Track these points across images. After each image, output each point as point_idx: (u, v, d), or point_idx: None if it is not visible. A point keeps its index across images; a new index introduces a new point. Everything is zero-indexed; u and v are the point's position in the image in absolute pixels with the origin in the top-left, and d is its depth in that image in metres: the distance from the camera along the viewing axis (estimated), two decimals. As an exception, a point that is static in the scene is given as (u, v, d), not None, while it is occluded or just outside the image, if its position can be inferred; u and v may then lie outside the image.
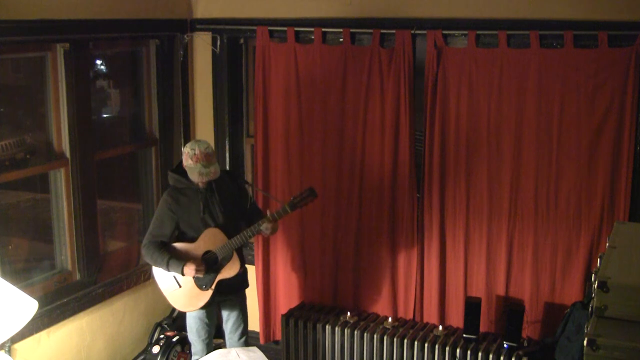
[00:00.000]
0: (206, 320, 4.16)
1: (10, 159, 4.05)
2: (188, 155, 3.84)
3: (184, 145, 3.92)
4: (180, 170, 3.97)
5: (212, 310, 4.18)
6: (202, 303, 4.02)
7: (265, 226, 3.90)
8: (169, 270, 3.94)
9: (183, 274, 3.91)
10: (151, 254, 3.95)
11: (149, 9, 4.65)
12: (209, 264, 3.94)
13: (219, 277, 3.97)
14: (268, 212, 3.93)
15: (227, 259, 3.95)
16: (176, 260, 3.90)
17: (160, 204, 4.05)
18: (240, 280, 4.13)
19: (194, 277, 3.95)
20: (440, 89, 4.25)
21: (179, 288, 4.04)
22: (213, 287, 3.98)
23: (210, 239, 3.95)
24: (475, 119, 4.21)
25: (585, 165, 4.02)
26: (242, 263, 4.06)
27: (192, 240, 3.98)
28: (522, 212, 4.21)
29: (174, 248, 3.99)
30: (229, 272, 3.98)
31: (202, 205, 3.94)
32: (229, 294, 4.11)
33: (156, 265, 4.01)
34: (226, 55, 4.90)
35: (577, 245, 4.11)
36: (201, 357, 4.12)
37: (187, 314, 4.19)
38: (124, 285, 4.71)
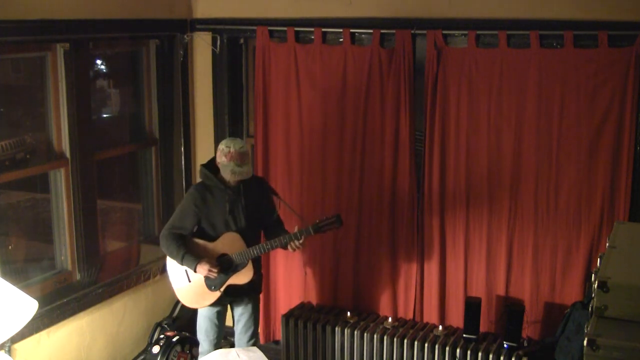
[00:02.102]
0: (216, 322, 4.14)
1: (10, 159, 4.05)
2: (222, 152, 3.83)
3: (220, 143, 3.91)
4: (212, 167, 3.94)
5: (222, 312, 4.18)
6: (208, 303, 4.03)
7: (291, 246, 3.87)
8: (182, 264, 3.93)
9: (195, 271, 3.90)
10: (168, 244, 3.94)
11: (149, 9, 4.65)
12: (222, 267, 3.92)
13: (230, 281, 3.96)
14: (296, 229, 3.88)
15: (241, 266, 3.94)
16: (191, 256, 3.88)
17: (186, 197, 4.04)
18: (253, 286, 4.09)
19: (204, 277, 3.95)
20: (440, 89, 4.25)
21: (188, 283, 4.04)
22: (221, 290, 3.97)
23: (228, 243, 3.93)
24: (475, 119, 4.21)
25: (585, 165, 4.02)
26: (257, 271, 4.05)
27: (210, 238, 3.96)
28: (522, 212, 4.21)
29: (192, 242, 3.97)
30: (241, 279, 3.96)
31: (228, 207, 3.92)
32: (238, 296, 4.09)
33: (170, 257, 4.00)
34: (226, 55, 4.90)
35: (577, 245, 4.11)
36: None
37: (198, 313, 4.18)
38: (124, 285, 4.70)
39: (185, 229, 3.97)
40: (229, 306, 4.23)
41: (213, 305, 4.06)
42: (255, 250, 3.89)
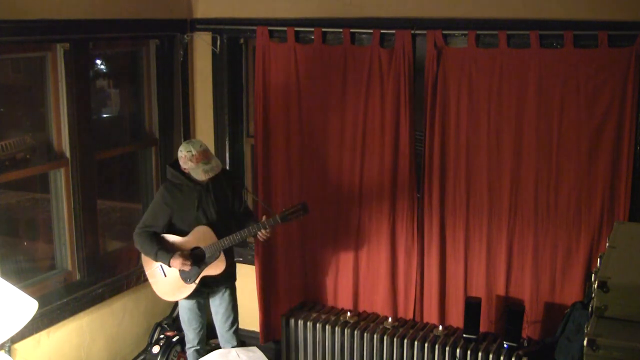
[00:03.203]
0: (197, 312, 4.24)
1: (10, 159, 4.05)
2: (187, 158, 3.90)
3: (179, 150, 3.98)
4: (178, 166, 4.02)
5: (203, 303, 4.26)
6: (184, 295, 4.13)
7: (260, 235, 4.00)
8: (156, 260, 4.05)
9: (170, 266, 4.00)
10: (141, 242, 4.06)
11: (149, 9, 4.65)
12: (195, 260, 4.02)
13: (203, 273, 4.06)
14: (264, 218, 3.99)
15: (213, 258, 4.03)
16: (165, 251, 4.00)
17: (156, 196, 4.16)
18: (227, 275, 4.17)
19: (179, 270, 4.04)
20: (440, 89, 4.25)
21: (164, 277, 4.15)
22: (197, 281, 4.07)
23: (200, 236, 4.03)
24: (475, 119, 4.21)
25: (585, 165, 4.02)
26: (230, 261, 4.14)
27: (182, 233, 4.06)
28: (522, 212, 4.20)
29: (164, 239, 4.08)
30: (213, 270, 4.05)
31: (197, 202, 4.01)
32: (214, 286, 4.18)
33: (145, 254, 4.12)
34: (226, 55, 4.90)
35: (577, 245, 4.11)
36: (193, 345, 4.28)
37: (179, 306, 4.28)
38: (124, 285, 4.71)
39: (157, 227, 4.08)
40: (208, 296, 4.29)
41: (191, 297, 4.15)
42: (226, 242, 3.99)
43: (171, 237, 4.08)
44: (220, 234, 4.00)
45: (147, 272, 4.23)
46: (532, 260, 4.22)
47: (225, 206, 4.11)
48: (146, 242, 4.04)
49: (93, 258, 4.48)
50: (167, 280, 4.15)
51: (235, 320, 4.31)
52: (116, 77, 5.02)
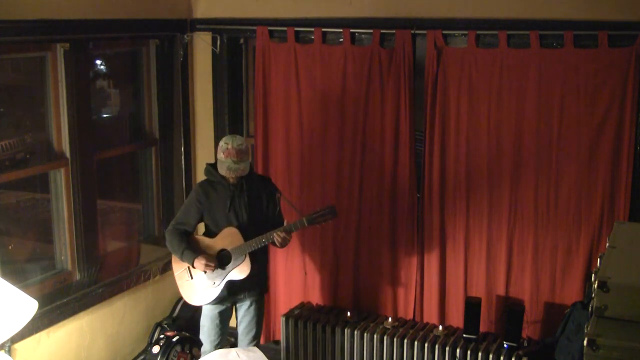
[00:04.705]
0: (218, 322, 4.16)
1: (10, 159, 4.05)
2: (221, 149, 3.90)
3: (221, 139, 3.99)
4: (217, 165, 4.01)
5: (225, 313, 4.18)
6: (210, 299, 4.06)
7: (276, 236, 3.88)
8: (182, 260, 4.02)
9: (194, 266, 3.97)
10: (171, 240, 4.05)
11: (149, 9, 4.65)
12: (221, 262, 3.98)
13: (229, 276, 4.00)
14: (285, 222, 3.94)
15: (239, 261, 3.97)
16: (190, 251, 3.96)
17: (190, 193, 4.16)
18: (255, 283, 4.11)
19: (205, 272, 3.99)
20: (440, 89, 4.25)
21: (190, 280, 4.09)
22: (222, 284, 4.00)
23: (227, 238, 3.99)
24: (475, 119, 4.21)
25: (585, 165, 4.02)
26: (260, 267, 4.08)
27: (214, 235, 4.03)
28: (522, 212, 4.21)
29: (194, 240, 4.06)
30: (238, 273, 3.99)
31: (229, 203, 3.97)
32: (240, 294, 4.11)
33: (173, 253, 4.10)
34: (226, 55, 4.90)
35: (577, 245, 4.11)
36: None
37: (202, 313, 4.20)
38: (124, 285, 4.71)
39: (189, 225, 4.06)
40: (233, 308, 4.24)
41: (215, 304, 4.09)
42: (252, 244, 3.93)
43: (201, 238, 4.06)
44: (248, 236, 3.94)
45: (175, 274, 4.17)
46: (532, 260, 4.23)
47: (257, 209, 4.04)
48: (175, 241, 4.01)
49: (93, 258, 4.48)
50: (193, 283, 4.08)
51: (257, 336, 4.23)
52: (116, 77, 5.02)
